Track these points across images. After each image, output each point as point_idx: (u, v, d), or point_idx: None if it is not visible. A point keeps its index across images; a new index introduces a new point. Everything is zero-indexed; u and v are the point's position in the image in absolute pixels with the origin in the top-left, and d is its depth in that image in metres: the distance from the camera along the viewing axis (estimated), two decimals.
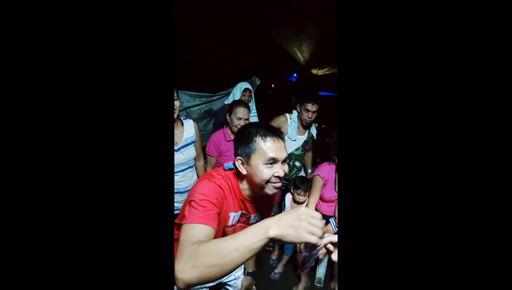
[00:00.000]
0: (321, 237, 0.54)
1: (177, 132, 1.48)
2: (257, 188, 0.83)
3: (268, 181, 0.80)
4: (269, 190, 0.81)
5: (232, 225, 0.90)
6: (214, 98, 3.20)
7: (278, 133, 0.83)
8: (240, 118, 1.70)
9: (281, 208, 2.10)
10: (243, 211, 0.92)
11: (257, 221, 0.97)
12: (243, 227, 0.94)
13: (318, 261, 1.88)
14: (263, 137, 0.80)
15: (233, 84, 2.40)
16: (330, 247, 0.62)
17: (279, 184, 0.81)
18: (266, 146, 0.79)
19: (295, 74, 4.59)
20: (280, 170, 0.80)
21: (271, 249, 2.22)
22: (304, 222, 0.53)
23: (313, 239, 0.53)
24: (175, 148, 1.45)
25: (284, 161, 0.82)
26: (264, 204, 0.98)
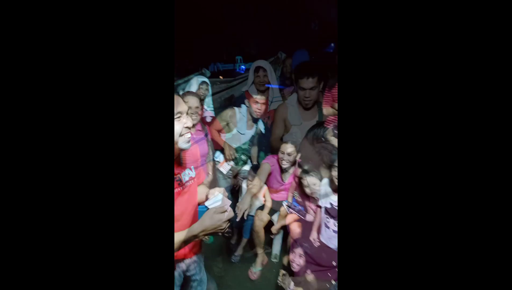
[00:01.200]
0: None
1: None
2: None
3: (180, 135, 0.83)
4: (183, 143, 0.84)
5: None
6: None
7: None
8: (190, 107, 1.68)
9: (238, 193, 2.20)
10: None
11: (190, 178, 0.99)
12: (180, 192, 0.94)
13: (273, 237, 2.04)
14: None
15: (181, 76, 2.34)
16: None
17: (189, 135, 0.86)
18: None
19: (242, 67, 4.65)
20: (187, 120, 0.84)
21: (230, 235, 2.30)
22: (214, 220, 0.81)
23: (223, 225, 0.82)
24: None
25: (187, 113, 0.86)
26: (188, 158, 0.99)
